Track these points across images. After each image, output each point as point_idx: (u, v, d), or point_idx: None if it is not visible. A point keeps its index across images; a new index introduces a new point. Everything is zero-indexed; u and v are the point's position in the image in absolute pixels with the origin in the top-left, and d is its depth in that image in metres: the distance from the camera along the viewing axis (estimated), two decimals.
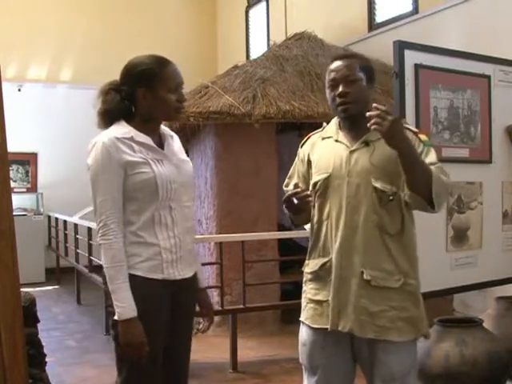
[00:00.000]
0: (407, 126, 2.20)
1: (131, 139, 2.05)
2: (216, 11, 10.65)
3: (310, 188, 2.21)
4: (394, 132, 1.95)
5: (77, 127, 9.02)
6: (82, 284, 7.05)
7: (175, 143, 2.22)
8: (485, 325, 3.27)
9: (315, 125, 2.35)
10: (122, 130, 2.07)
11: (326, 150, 2.23)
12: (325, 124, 2.32)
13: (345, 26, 7.07)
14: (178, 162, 2.16)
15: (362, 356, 2.17)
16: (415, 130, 2.21)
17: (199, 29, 10.45)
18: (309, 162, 2.28)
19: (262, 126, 5.25)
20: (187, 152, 2.81)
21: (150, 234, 2.06)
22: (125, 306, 1.98)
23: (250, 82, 5.51)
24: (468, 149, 3.32)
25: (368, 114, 1.97)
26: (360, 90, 2.14)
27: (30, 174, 9.26)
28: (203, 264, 3.73)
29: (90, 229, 6.23)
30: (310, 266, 2.24)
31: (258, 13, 9.40)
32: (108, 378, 4.24)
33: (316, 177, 2.21)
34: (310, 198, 2.08)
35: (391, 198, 2.08)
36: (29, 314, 2.59)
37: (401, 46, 3.05)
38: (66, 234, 7.83)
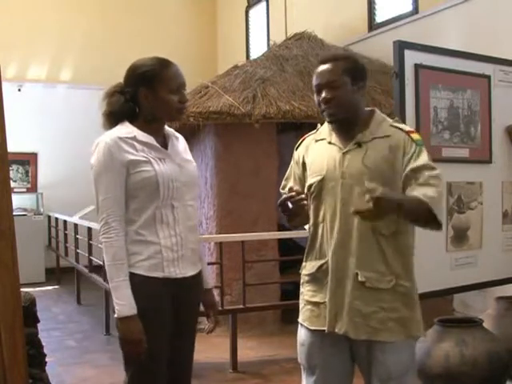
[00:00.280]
0: (398, 125, 2.19)
1: (134, 138, 2.08)
2: (216, 11, 10.65)
3: (305, 190, 2.21)
4: (384, 211, 1.94)
5: (77, 127, 9.05)
6: (82, 284, 7.05)
7: (180, 144, 2.24)
8: (485, 325, 3.27)
9: (315, 125, 2.35)
10: (125, 129, 2.10)
11: (319, 152, 2.23)
12: (319, 125, 2.32)
13: (345, 26, 7.07)
14: (181, 162, 2.18)
15: (359, 356, 2.18)
16: (407, 129, 2.19)
17: (199, 29, 10.45)
18: (304, 165, 2.28)
19: (261, 126, 5.25)
20: None
21: (152, 232, 2.07)
22: (124, 304, 2.00)
23: (250, 82, 5.51)
24: (468, 149, 3.32)
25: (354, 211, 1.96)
26: (344, 95, 2.12)
27: (30, 174, 9.26)
28: None
29: (89, 229, 6.23)
30: (307, 267, 2.24)
31: (257, 13, 9.40)
32: (108, 377, 4.24)
33: (310, 179, 2.21)
34: (305, 202, 2.08)
35: None
36: (29, 314, 2.59)
37: (401, 46, 3.05)
38: (66, 234, 7.83)
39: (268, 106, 5.22)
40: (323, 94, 2.14)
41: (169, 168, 2.10)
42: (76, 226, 7.14)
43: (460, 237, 3.28)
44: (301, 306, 2.27)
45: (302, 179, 2.28)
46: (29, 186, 9.25)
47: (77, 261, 7.00)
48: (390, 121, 2.21)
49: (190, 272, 2.16)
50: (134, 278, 2.04)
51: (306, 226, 2.32)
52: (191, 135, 5.48)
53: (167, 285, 2.08)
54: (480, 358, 3.08)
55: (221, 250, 4.60)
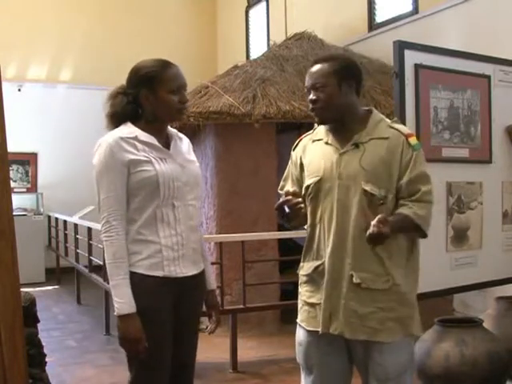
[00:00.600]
0: (397, 126, 2.19)
1: (135, 138, 2.11)
2: (216, 11, 10.65)
3: (303, 191, 2.22)
4: (379, 243, 2.01)
5: (77, 127, 9.06)
6: (82, 284, 7.05)
7: (183, 144, 2.26)
8: (485, 325, 3.27)
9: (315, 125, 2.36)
10: (127, 130, 2.13)
11: (316, 152, 2.23)
12: (316, 126, 2.32)
13: (345, 26, 7.07)
14: (184, 162, 2.19)
15: (357, 356, 2.18)
16: (406, 132, 2.19)
17: (199, 29, 10.45)
18: (301, 165, 2.28)
19: (261, 126, 5.25)
20: None
21: (152, 231, 2.09)
22: (123, 302, 2.02)
23: (250, 82, 5.51)
24: (468, 149, 3.32)
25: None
26: (330, 97, 2.14)
27: (30, 174, 9.26)
28: None
29: (89, 229, 6.23)
30: (305, 268, 2.25)
31: (257, 13, 9.40)
32: (108, 377, 4.25)
33: (308, 180, 2.22)
34: (302, 205, 2.09)
35: (381, 202, 2.09)
36: (29, 314, 2.59)
37: (401, 46, 3.05)
38: (66, 234, 7.83)
39: (268, 106, 5.22)
40: (310, 95, 2.17)
41: (170, 168, 2.12)
42: (76, 226, 7.14)
43: (460, 237, 3.28)
44: (299, 306, 2.28)
45: (300, 180, 2.28)
46: (29, 185, 9.25)
47: (77, 261, 7.00)
48: (388, 121, 2.20)
49: (191, 271, 2.17)
50: (133, 276, 2.06)
51: (306, 226, 2.32)
52: (191, 135, 5.47)
53: (168, 284, 2.09)
54: (480, 358, 3.08)
55: (221, 250, 4.60)
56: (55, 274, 8.48)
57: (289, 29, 7.49)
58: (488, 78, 3.40)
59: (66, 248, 7.81)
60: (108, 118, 2.19)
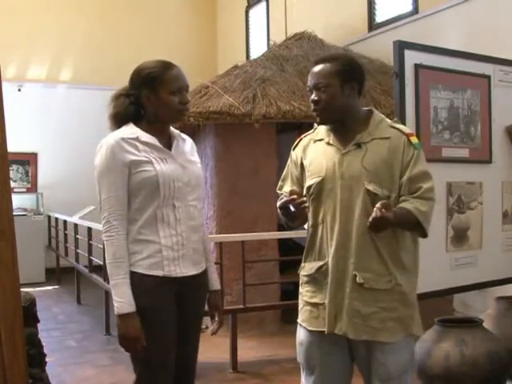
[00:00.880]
0: (398, 126, 2.20)
1: (136, 139, 2.12)
2: (216, 11, 10.65)
3: (304, 192, 2.22)
4: (379, 230, 2.03)
5: (77, 127, 9.06)
6: (82, 284, 7.05)
7: (186, 145, 2.28)
8: (485, 325, 3.27)
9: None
10: (128, 131, 2.15)
11: (318, 153, 2.23)
12: (316, 125, 2.32)
13: (345, 26, 7.07)
14: (185, 163, 2.20)
15: (359, 356, 2.19)
16: (407, 131, 2.20)
17: (199, 29, 10.44)
18: (302, 165, 2.28)
19: (261, 126, 5.25)
20: None
21: (152, 231, 2.10)
22: (123, 301, 2.03)
23: (250, 82, 5.51)
24: (468, 149, 3.32)
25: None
26: (332, 97, 2.14)
27: (30, 174, 9.26)
28: None
29: (89, 229, 6.23)
30: (306, 268, 2.25)
31: (257, 13, 9.40)
32: (108, 377, 4.25)
33: (309, 181, 2.21)
34: (306, 204, 2.09)
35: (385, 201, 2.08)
36: (29, 314, 2.59)
37: (401, 46, 3.05)
38: (66, 234, 7.83)
39: (268, 106, 5.22)
40: (312, 96, 2.17)
41: (170, 168, 2.13)
42: (76, 226, 7.14)
43: (460, 237, 3.28)
44: (300, 306, 2.28)
45: (300, 180, 2.28)
46: (29, 185, 9.25)
47: (77, 261, 7.00)
48: (389, 121, 2.21)
49: (192, 271, 2.17)
50: (133, 276, 2.07)
51: (306, 226, 2.32)
52: (191, 135, 5.43)
53: (168, 284, 2.10)
54: (480, 358, 3.08)
55: (221, 250, 4.60)
56: (55, 274, 8.48)
57: (289, 29, 7.49)
58: (488, 78, 3.40)
59: (66, 248, 7.81)
60: (111, 118, 2.21)
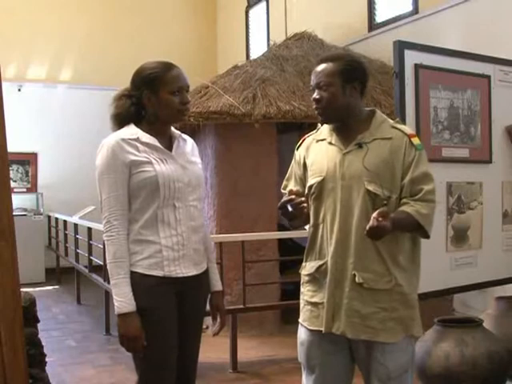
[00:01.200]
0: (400, 126, 2.20)
1: (137, 140, 2.13)
2: (216, 11, 10.65)
3: (306, 191, 2.22)
4: (378, 237, 2.01)
5: (77, 127, 9.07)
6: (82, 284, 7.05)
7: (187, 146, 2.28)
8: (485, 325, 3.27)
9: (315, 125, 2.36)
10: (129, 131, 2.16)
11: (320, 152, 2.23)
12: (319, 125, 2.32)
13: (345, 26, 7.07)
14: (185, 163, 2.21)
15: (359, 356, 2.19)
16: (409, 132, 2.20)
17: (199, 29, 10.45)
18: (304, 165, 2.28)
19: (262, 126, 5.25)
20: None
21: (153, 231, 2.11)
22: (123, 301, 2.04)
23: (250, 82, 5.51)
24: (468, 149, 3.32)
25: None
26: (333, 97, 2.14)
27: (30, 174, 9.26)
28: None
29: (89, 229, 6.23)
30: (307, 268, 2.25)
31: (257, 13, 9.40)
32: (108, 377, 4.24)
33: (311, 180, 2.22)
34: (305, 204, 2.09)
35: (385, 202, 2.09)
36: (29, 314, 2.59)
37: (401, 46, 3.05)
38: (66, 234, 7.84)
39: (268, 106, 5.22)
40: (314, 95, 2.18)
41: (170, 168, 2.13)
42: (76, 225, 7.14)
43: (460, 237, 3.28)
44: (301, 305, 2.28)
45: (303, 179, 2.28)
46: (29, 186, 9.25)
47: (77, 261, 7.01)
48: (391, 122, 2.21)
49: (193, 272, 2.18)
50: (134, 276, 2.08)
51: (307, 226, 2.32)
52: (191, 135, 5.44)
53: (168, 284, 2.11)
54: (480, 358, 3.08)
55: (221, 250, 4.60)
56: (55, 274, 8.48)
57: (289, 29, 7.49)
58: (488, 77, 3.40)
59: (66, 248, 7.82)
60: (112, 119, 2.22)
